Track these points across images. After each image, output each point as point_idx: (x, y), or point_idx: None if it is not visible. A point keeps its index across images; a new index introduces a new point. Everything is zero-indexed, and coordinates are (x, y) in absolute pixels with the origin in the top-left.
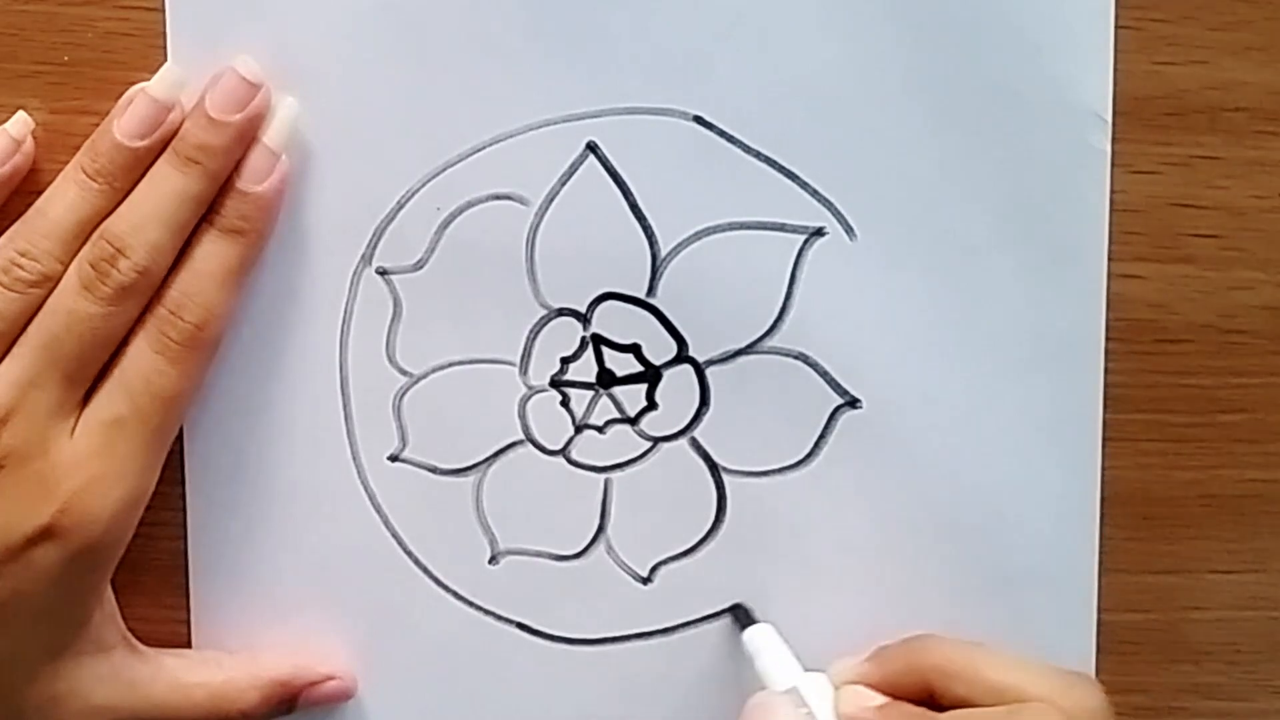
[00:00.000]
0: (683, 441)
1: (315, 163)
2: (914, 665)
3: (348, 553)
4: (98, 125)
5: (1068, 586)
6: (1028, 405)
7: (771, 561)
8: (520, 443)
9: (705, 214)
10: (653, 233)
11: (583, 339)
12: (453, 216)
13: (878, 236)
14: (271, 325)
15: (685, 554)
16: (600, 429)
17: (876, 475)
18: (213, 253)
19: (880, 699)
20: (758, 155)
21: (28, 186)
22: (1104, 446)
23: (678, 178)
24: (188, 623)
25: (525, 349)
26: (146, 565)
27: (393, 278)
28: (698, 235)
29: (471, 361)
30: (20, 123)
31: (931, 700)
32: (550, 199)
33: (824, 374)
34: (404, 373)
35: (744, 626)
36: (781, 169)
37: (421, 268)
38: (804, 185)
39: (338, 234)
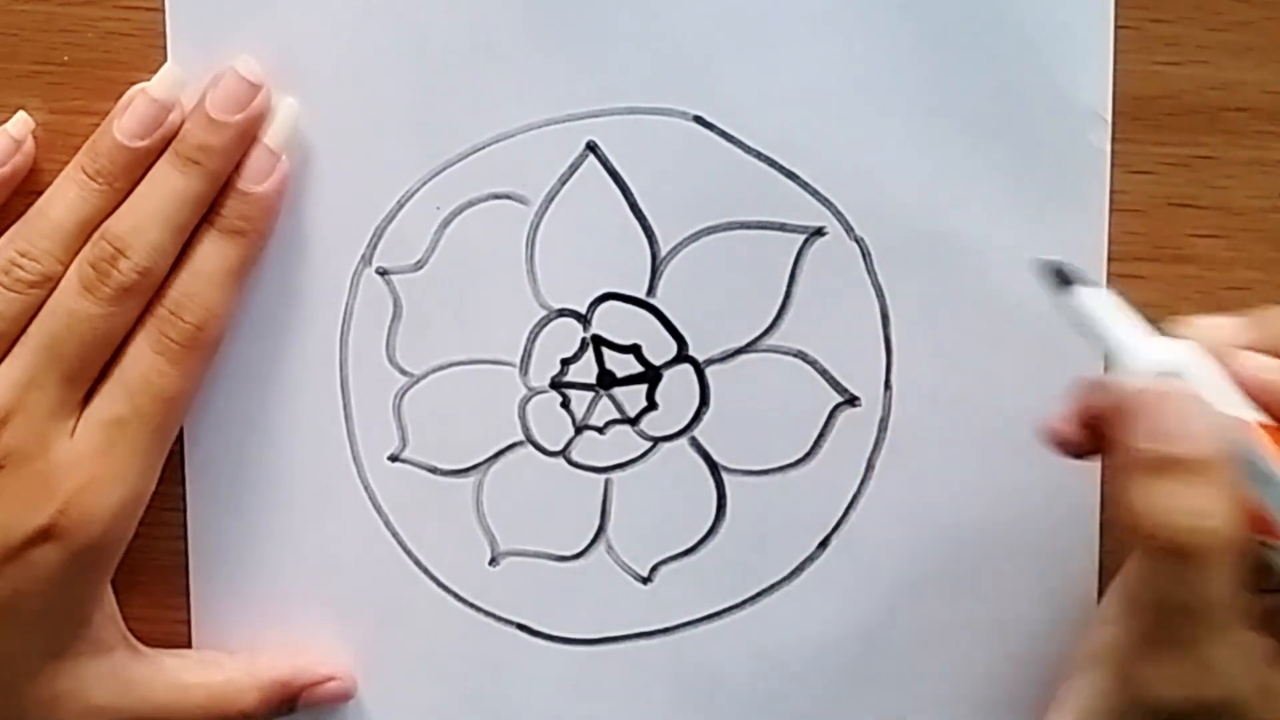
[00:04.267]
0: (683, 441)
1: (315, 163)
2: None
3: (348, 553)
4: (98, 125)
5: (1068, 586)
6: (1028, 405)
7: (772, 561)
8: (520, 443)
9: (705, 214)
10: (653, 233)
11: (583, 340)
12: (453, 216)
13: (878, 236)
14: (271, 325)
15: (685, 554)
16: (600, 429)
17: (876, 475)
18: (213, 253)
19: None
20: (758, 155)
21: (28, 186)
22: None
23: (678, 178)
24: (188, 623)
25: (525, 350)
26: (146, 565)
27: (393, 278)
28: (698, 235)
29: (471, 362)
30: (20, 123)
31: None
32: (550, 199)
33: (823, 372)
34: (404, 373)
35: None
36: (781, 169)
37: (421, 268)
38: (804, 185)
39: (338, 234)
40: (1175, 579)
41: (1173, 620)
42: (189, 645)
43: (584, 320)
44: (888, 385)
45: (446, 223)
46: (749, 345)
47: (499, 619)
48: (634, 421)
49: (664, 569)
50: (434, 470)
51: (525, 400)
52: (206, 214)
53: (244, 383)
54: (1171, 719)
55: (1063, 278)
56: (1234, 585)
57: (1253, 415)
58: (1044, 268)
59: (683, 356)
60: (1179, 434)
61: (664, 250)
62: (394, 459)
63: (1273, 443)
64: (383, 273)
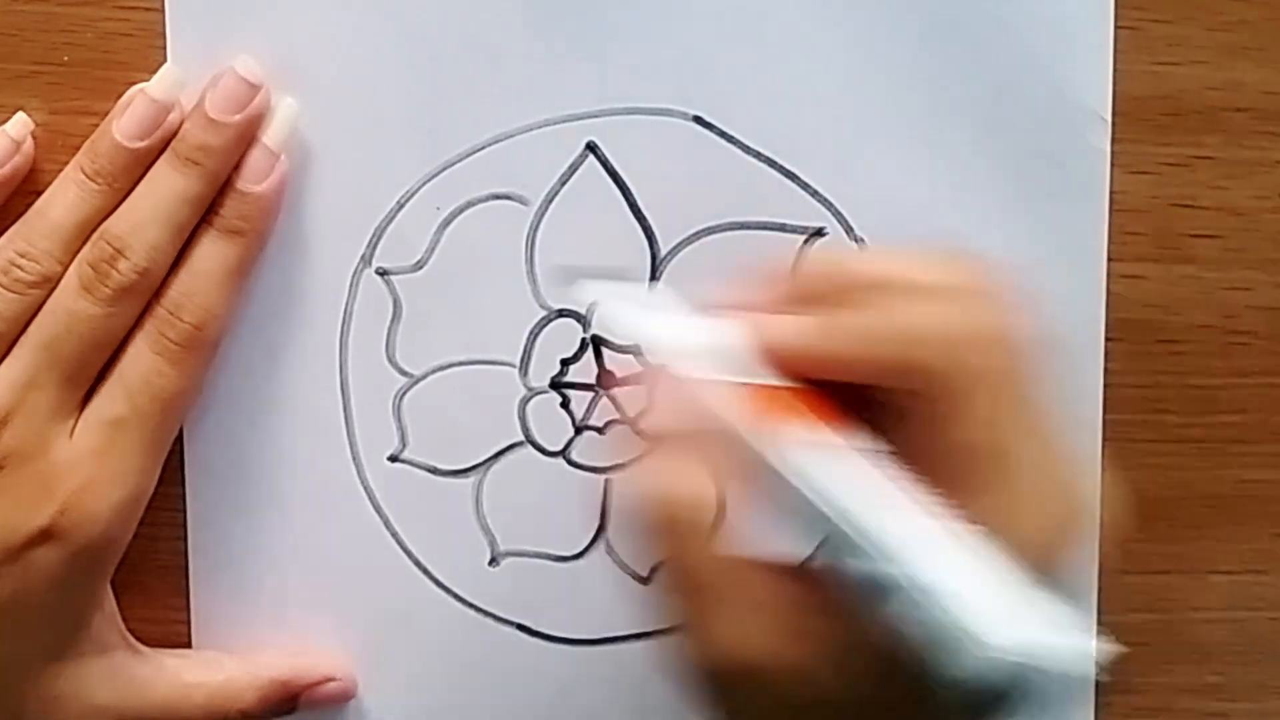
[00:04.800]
0: None
1: (315, 163)
2: (817, 278)
3: (348, 553)
4: (97, 125)
5: (1068, 587)
6: None
7: None
8: (520, 444)
9: (705, 214)
10: (653, 233)
11: (583, 340)
12: (453, 216)
13: (878, 236)
14: (271, 325)
15: None
16: (600, 429)
17: None
18: (212, 253)
19: (793, 319)
20: (758, 155)
21: (27, 187)
22: (1104, 446)
23: (678, 178)
24: (188, 623)
25: (525, 350)
26: (146, 565)
27: (393, 278)
28: (698, 235)
29: (471, 362)
30: (20, 124)
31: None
32: (550, 199)
33: None
34: (404, 373)
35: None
36: (781, 169)
37: (421, 268)
38: (804, 185)
39: (338, 234)
40: (662, 552)
41: (672, 595)
42: (189, 645)
43: (584, 320)
44: None
45: (446, 223)
46: None
47: (499, 619)
48: (634, 421)
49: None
50: (434, 470)
51: (525, 400)
52: (206, 214)
53: (244, 383)
54: (715, 689)
55: (573, 281)
56: (728, 551)
57: (768, 379)
58: (562, 274)
59: None
60: (667, 412)
61: (664, 250)
62: (394, 459)
63: (781, 406)
64: (383, 273)
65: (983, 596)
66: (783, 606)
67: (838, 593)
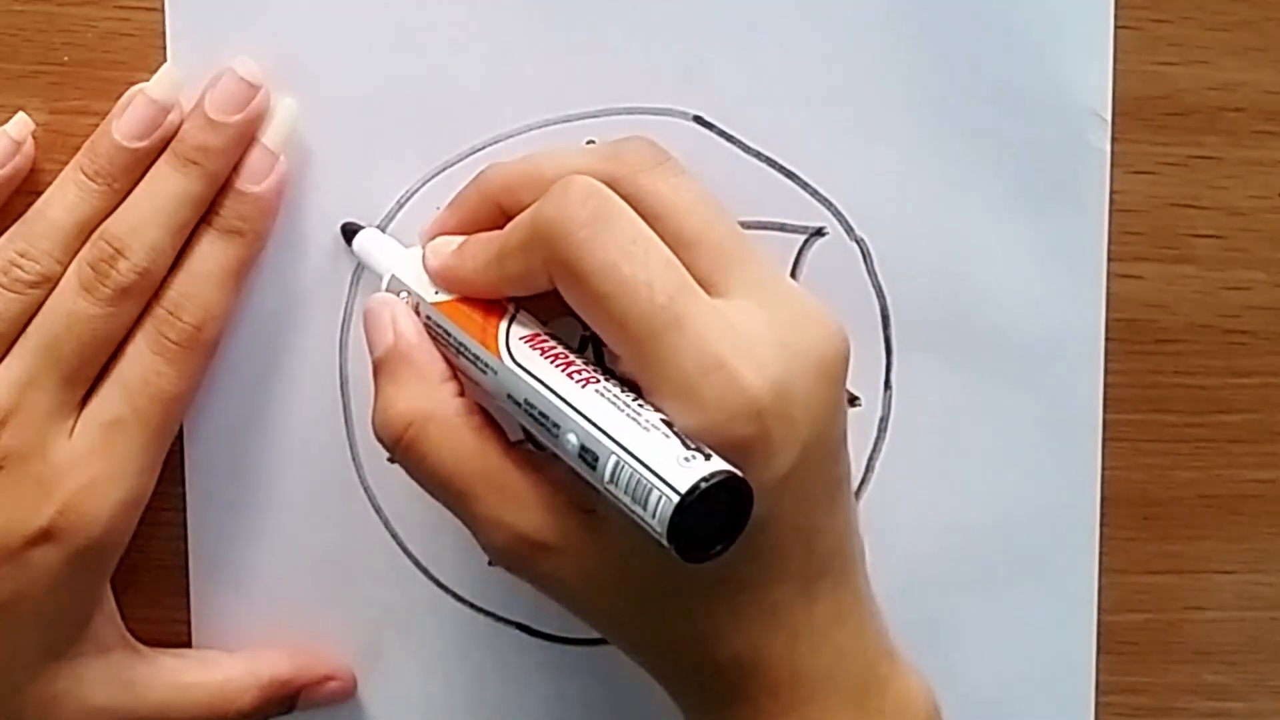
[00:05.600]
0: None
1: (315, 163)
2: (483, 194)
3: (348, 553)
4: (97, 125)
5: (1068, 586)
6: (1028, 405)
7: None
8: (520, 443)
9: None
10: None
11: (583, 339)
12: None
13: (878, 236)
14: (271, 325)
15: None
16: None
17: (876, 475)
18: (211, 253)
19: (459, 239)
20: (758, 155)
21: (27, 187)
22: (1104, 446)
23: None
24: (188, 623)
25: None
26: (146, 565)
27: None
28: None
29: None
30: (20, 124)
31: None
32: None
33: None
34: None
35: (350, 241)
36: (781, 169)
37: None
38: (804, 185)
39: (338, 234)
40: (410, 469)
41: (444, 499)
42: (189, 645)
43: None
44: (888, 385)
45: None
46: None
47: (499, 619)
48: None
49: None
50: None
51: None
52: (206, 214)
53: (244, 383)
54: (507, 569)
55: (348, 233)
56: (465, 445)
57: (443, 297)
58: (341, 231)
59: None
60: (373, 340)
61: None
62: (394, 460)
63: (450, 312)
64: None
65: (656, 452)
66: (531, 488)
67: (566, 472)
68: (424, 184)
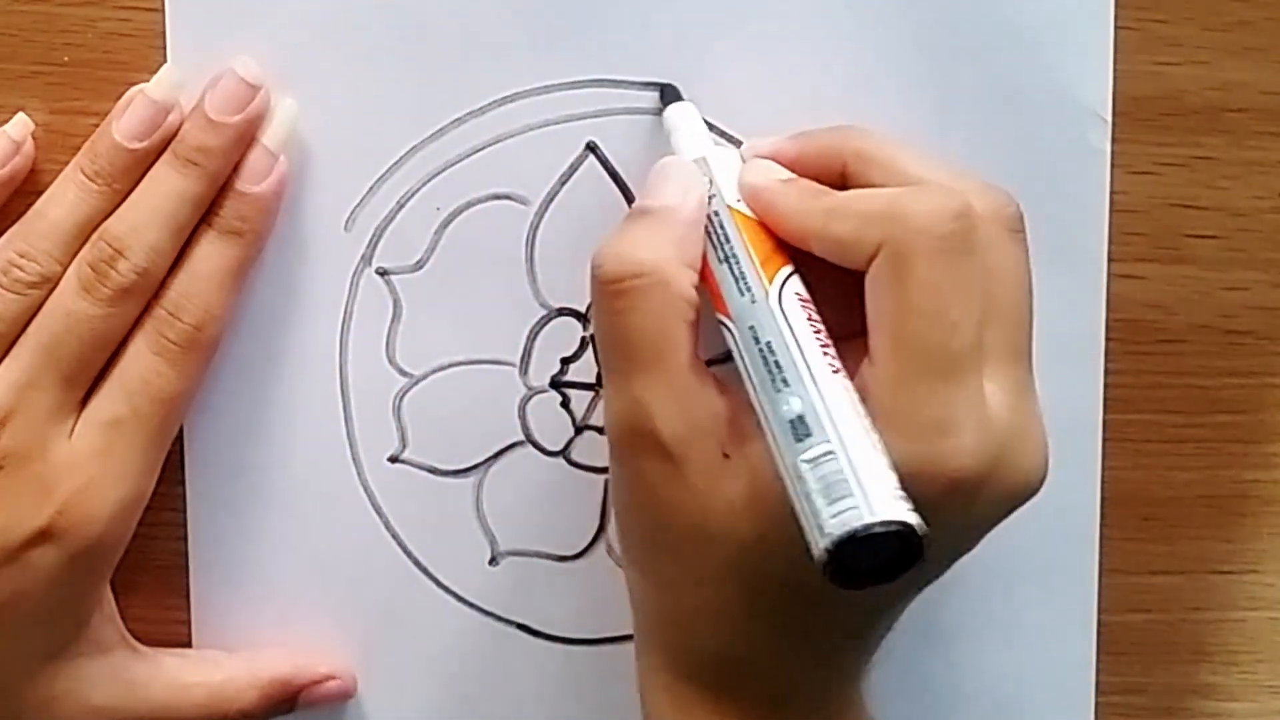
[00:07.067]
0: None
1: (315, 163)
2: (834, 148)
3: (348, 553)
4: (98, 126)
5: (1068, 586)
6: None
7: None
8: (520, 443)
9: None
10: None
11: (583, 339)
12: (453, 216)
13: None
14: (271, 325)
15: None
16: (600, 430)
17: None
18: (211, 253)
19: (788, 174)
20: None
21: (28, 187)
22: (1104, 446)
23: None
24: (188, 623)
25: (525, 349)
26: (146, 565)
27: (393, 278)
28: None
29: (472, 362)
30: (20, 124)
31: (843, 186)
32: (550, 199)
33: None
34: (404, 373)
35: (667, 104)
36: None
37: (421, 268)
38: None
39: (338, 234)
40: (606, 309)
41: (610, 355)
42: (189, 645)
43: (584, 319)
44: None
45: (446, 223)
46: None
47: (499, 619)
48: None
49: None
50: (434, 471)
51: (525, 400)
52: (205, 215)
53: (244, 383)
54: (617, 454)
55: (667, 94)
56: (673, 324)
57: (741, 207)
58: (660, 89)
59: None
60: (655, 190)
61: None
62: (394, 460)
63: (743, 225)
64: (383, 273)
65: (874, 468)
66: (698, 399)
67: (734, 411)
68: (424, 184)
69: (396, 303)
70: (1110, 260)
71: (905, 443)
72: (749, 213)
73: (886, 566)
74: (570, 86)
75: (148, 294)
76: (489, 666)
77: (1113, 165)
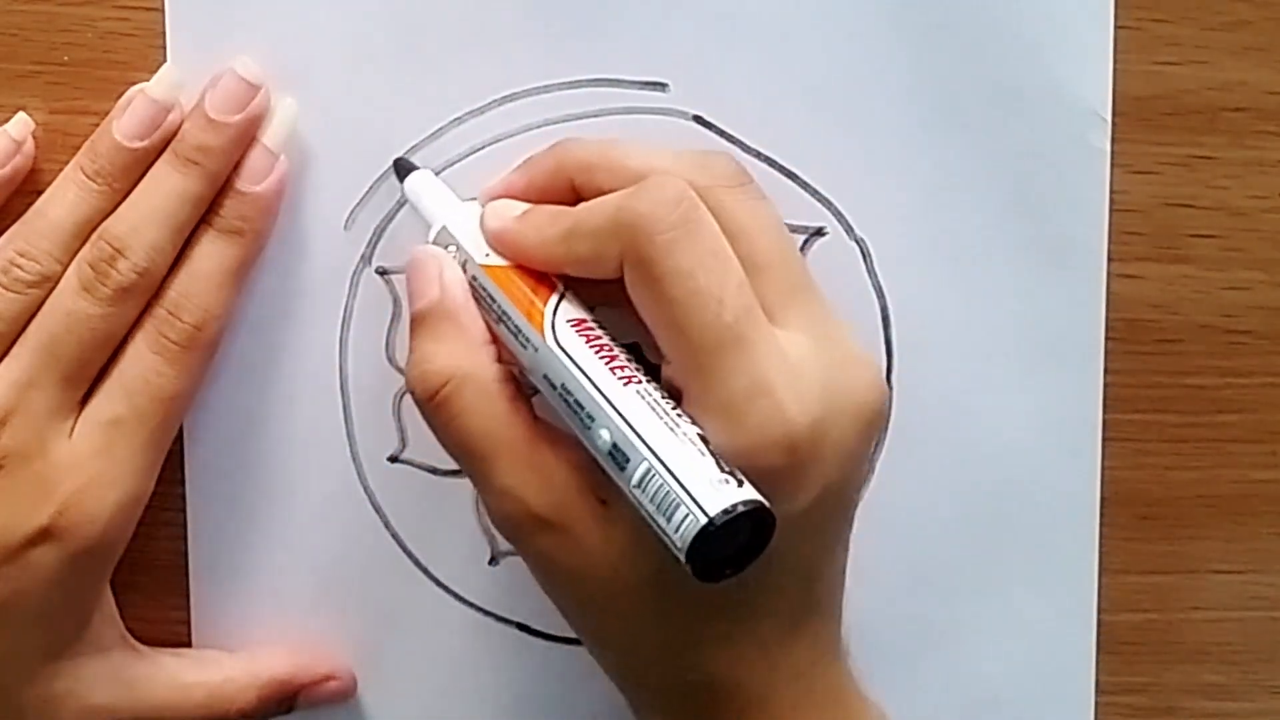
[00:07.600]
0: None
1: (315, 163)
2: (556, 166)
3: (348, 553)
4: (98, 125)
5: (1067, 586)
6: (1028, 405)
7: None
8: None
9: None
10: None
11: None
12: None
13: (878, 236)
14: (271, 325)
15: None
16: None
17: (876, 475)
18: (211, 253)
19: (524, 207)
20: (758, 155)
21: (28, 187)
22: (1104, 446)
23: None
24: (188, 623)
25: None
26: (146, 565)
27: (393, 278)
28: None
29: None
30: (20, 124)
31: (578, 200)
32: None
33: None
34: (403, 373)
35: (404, 179)
36: (781, 169)
37: None
38: (804, 185)
39: (338, 234)
40: (435, 425)
41: (461, 461)
42: (189, 645)
43: None
44: (888, 385)
45: None
46: None
47: (499, 619)
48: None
49: None
50: (434, 470)
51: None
52: (206, 214)
53: (244, 383)
54: (511, 540)
55: (401, 170)
56: (498, 410)
57: (494, 260)
58: (393, 167)
59: None
60: (416, 291)
61: None
62: (394, 459)
63: (500, 279)
64: (383, 273)
65: (690, 468)
66: (552, 465)
67: (589, 456)
68: None
69: (396, 302)
70: (1110, 260)
71: (727, 424)
72: (504, 261)
73: (756, 537)
74: (570, 86)
75: (148, 293)
76: (489, 666)
77: (1113, 165)
